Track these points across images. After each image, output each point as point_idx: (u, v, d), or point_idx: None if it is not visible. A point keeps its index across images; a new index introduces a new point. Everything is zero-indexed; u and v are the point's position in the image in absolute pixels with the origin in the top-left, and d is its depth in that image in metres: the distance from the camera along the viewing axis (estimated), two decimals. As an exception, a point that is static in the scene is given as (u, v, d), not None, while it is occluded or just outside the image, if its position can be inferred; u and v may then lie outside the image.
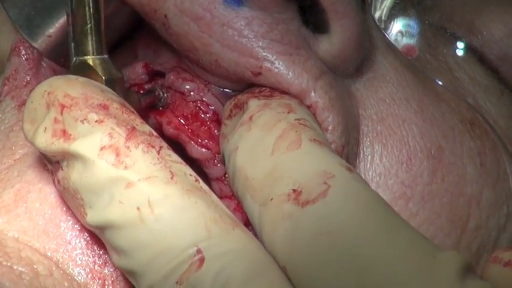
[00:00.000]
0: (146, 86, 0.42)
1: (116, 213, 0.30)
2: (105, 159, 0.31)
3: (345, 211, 0.29)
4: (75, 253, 0.36)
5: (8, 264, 0.34)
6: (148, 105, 0.40)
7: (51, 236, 0.36)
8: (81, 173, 0.31)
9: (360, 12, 0.39)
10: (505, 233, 0.45)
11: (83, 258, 0.36)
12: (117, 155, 0.31)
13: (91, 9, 0.36)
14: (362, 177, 0.32)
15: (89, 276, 0.35)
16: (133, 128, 0.32)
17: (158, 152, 0.32)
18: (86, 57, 0.36)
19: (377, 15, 0.46)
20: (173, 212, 0.30)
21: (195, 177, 0.32)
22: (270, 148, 0.32)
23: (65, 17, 0.38)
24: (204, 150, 0.40)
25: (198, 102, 0.40)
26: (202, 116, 0.40)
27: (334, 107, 0.38)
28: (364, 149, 0.41)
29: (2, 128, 0.41)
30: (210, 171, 0.40)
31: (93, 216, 0.32)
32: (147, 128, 0.33)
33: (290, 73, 0.37)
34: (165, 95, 0.41)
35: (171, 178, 0.31)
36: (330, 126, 0.37)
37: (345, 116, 0.38)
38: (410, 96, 0.42)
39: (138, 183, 0.30)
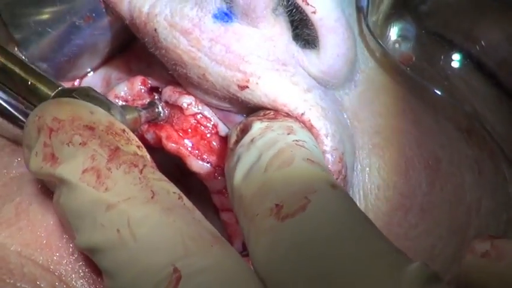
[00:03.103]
0: (145, 101, 0.42)
1: (99, 237, 0.31)
2: (86, 182, 0.31)
3: (320, 225, 0.29)
4: (78, 265, 0.36)
5: (12, 281, 0.35)
6: (148, 120, 0.41)
7: (54, 248, 0.36)
8: (66, 197, 0.32)
9: (349, 27, 0.39)
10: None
11: (86, 270, 0.36)
12: (98, 177, 0.31)
13: (21, 69, 0.38)
14: (348, 193, 0.33)
15: None
16: (117, 149, 0.32)
17: (141, 172, 0.32)
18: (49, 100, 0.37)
19: (373, 20, 0.46)
20: (151, 232, 0.30)
21: (178, 194, 0.33)
22: (264, 166, 0.33)
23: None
24: (204, 164, 0.40)
25: (197, 115, 0.41)
26: (202, 129, 0.41)
27: (328, 116, 0.38)
28: (361, 161, 0.41)
29: None
30: (211, 185, 0.40)
31: (79, 240, 0.32)
32: (132, 148, 0.34)
33: (277, 87, 0.37)
34: (165, 109, 0.41)
35: (152, 197, 0.31)
36: (329, 133, 0.38)
37: (339, 126, 0.39)
38: (406, 107, 0.42)
39: (118, 205, 0.31)
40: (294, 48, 0.38)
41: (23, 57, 0.41)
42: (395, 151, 0.41)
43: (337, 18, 0.38)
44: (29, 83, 0.38)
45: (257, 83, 0.37)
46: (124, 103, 0.42)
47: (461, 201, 0.42)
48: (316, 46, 0.38)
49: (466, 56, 0.48)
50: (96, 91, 0.38)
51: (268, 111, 0.37)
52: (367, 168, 0.41)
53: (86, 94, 0.37)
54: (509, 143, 0.46)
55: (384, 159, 0.41)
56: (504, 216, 0.45)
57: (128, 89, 0.42)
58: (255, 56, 0.37)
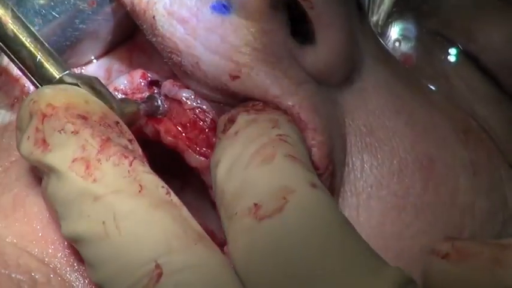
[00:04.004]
0: (144, 94, 0.42)
1: (84, 227, 0.31)
2: (75, 171, 0.31)
3: (297, 227, 0.29)
4: (73, 258, 0.36)
5: (6, 272, 0.35)
6: (147, 114, 0.41)
7: (49, 241, 0.36)
8: (55, 185, 0.32)
9: (347, 23, 0.39)
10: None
11: (81, 264, 0.36)
12: (87, 167, 0.31)
13: (30, 44, 0.38)
14: (328, 192, 0.33)
15: (86, 281, 0.36)
16: (108, 140, 0.33)
17: (130, 164, 0.32)
18: (53, 82, 0.37)
19: (374, 19, 0.46)
20: (136, 227, 0.30)
21: (166, 189, 0.33)
22: (245, 162, 0.33)
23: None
24: (202, 158, 0.40)
25: (196, 109, 0.41)
26: (201, 123, 0.41)
27: (318, 111, 0.38)
28: (353, 160, 0.41)
29: None
30: (209, 179, 0.40)
31: (64, 229, 0.32)
32: (124, 141, 0.34)
33: (269, 78, 0.37)
34: (164, 103, 0.41)
35: (139, 191, 0.31)
36: (318, 127, 0.38)
37: (330, 122, 0.39)
38: (401, 107, 0.42)
39: (105, 196, 0.31)
40: (291, 43, 0.39)
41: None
42: (389, 151, 0.41)
43: (334, 15, 0.38)
44: (37, 59, 0.37)
45: (249, 74, 0.37)
46: (123, 96, 0.42)
47: (455, 202, 0.42)
48: (312, 42, 0.39)
49: (467, 56, 0.48)
50: (101, 82, 0.38)
51: (257, 103, 0.37)
52: (360, 167, 0.41)
53: (91, 85, 0.37)
54: (508, 144, 0.46)
55: (377, 159, 0.41)
56: (500, 217, 0.45)
57: (128, 82, 0.42)
58: (250, 47, 0.37)
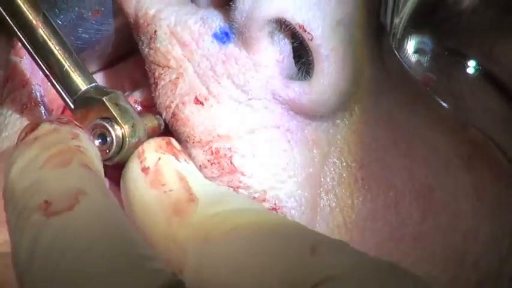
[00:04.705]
0: None
1: None
2: None
3: (84, 227, 0.29)
4: None
5: None
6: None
7: None
8: None
9: (347, 57, 0.38)
10: (507, 263, 0.44)
11: None
12: None
13: (59, 52, 0.38)
14: (119, 206, 0.33)
15: None
16: None
17: None
18: (78, 94, 0.38)
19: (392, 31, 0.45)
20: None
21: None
22: (41, 163, 0.33)
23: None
24: None
25: None
26: None
27: (263, 160, 0.39)
28: (343, 197, 0.40)
29: (6, 135, 0.43)
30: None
31: None
32: None
33: (223, 116, 0.39)
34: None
35: None
36: (253, 173, 0.39)
37: (286, 168, 0.39)
38: (401, 138, 0.42)
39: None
40: (278, 82, 0.39)
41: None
42: (384, 184, 0.41)
43: (333, 47, 0.38)
44: (64, 68, 0.38)
45: (211, 106, 0.39)
46: (142, 108, 0.44)
47: (457, 228, 0.42)
48: (310, 75, 0.39)
49: (485, 76, 0.47)
50: (125, 98, 0.40)
51: (63, 116, 0.37)
52: (349, 202, 0.40)
53: (115, 102, 0.38)
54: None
55: (371, 192, 0.41)
56: (506, 242, 0.44)
57: (147, 94, 0.44)
58: (229, 80, 0.39)
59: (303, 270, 0.29)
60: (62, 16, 0.42)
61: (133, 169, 0.38)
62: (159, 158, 0.38)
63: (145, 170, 0.38)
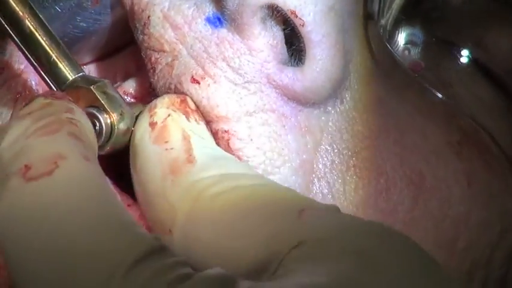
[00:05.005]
0: (153, 99, 0.44)
1: None
2: None
3: (63, 192, 0.29)
4: None
5: None
6: None
7: None
8: None
9: (339, 44, 0.39)
10: (498, 250, 0.45)
11: None
12: None
13: (46, 42, 0.38)
14: (101, 171, 0.32)
15: None
16: None
17: None
18: (67, 83, 0.38)
19: (382, 22, 0.46)
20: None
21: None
22: (28, 134, 0.33)
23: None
24: None
25: None
26: None
27: (261, 143, 0.39)
28: (335, 183, 0.40)
29: (1, 123, 0.43)
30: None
31: None
32: None
33: (224, 98, 0.39)
34: None
35: None
36: (250, 156, 0.38)
37: (281, 152, 0.39)
38: (392, 125, 0.42)
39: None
40: (272, 67, 0.39)
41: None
42: (375, 171, 0.41)
43: (324, 34, 0.38)
44: (52, 59, 0.38)
45: (209, 85, 0.39)
46: (133, 100, 0.44)
47: (447, 214, 0.42)
48: (302, 62, 0.39)
49: (474, 64, 0.47)
50: (113, 87, 0.39)
51: (58, 92, 0.37)
52: (342, 190, 0.40)
53: (103, 90, 0.38)
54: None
55: (362, 180, 0.41)
56: (497, 227, 0.45)
57: (137, 85, 0.44)
58: (224, 63, 0.39)
59: (288, 232, 0.29)
60: (61, 3, 0.42)
61: (142, 122, 0.38)
62: (169, 115, 0.38)
63: (152, 124, 0.38)
